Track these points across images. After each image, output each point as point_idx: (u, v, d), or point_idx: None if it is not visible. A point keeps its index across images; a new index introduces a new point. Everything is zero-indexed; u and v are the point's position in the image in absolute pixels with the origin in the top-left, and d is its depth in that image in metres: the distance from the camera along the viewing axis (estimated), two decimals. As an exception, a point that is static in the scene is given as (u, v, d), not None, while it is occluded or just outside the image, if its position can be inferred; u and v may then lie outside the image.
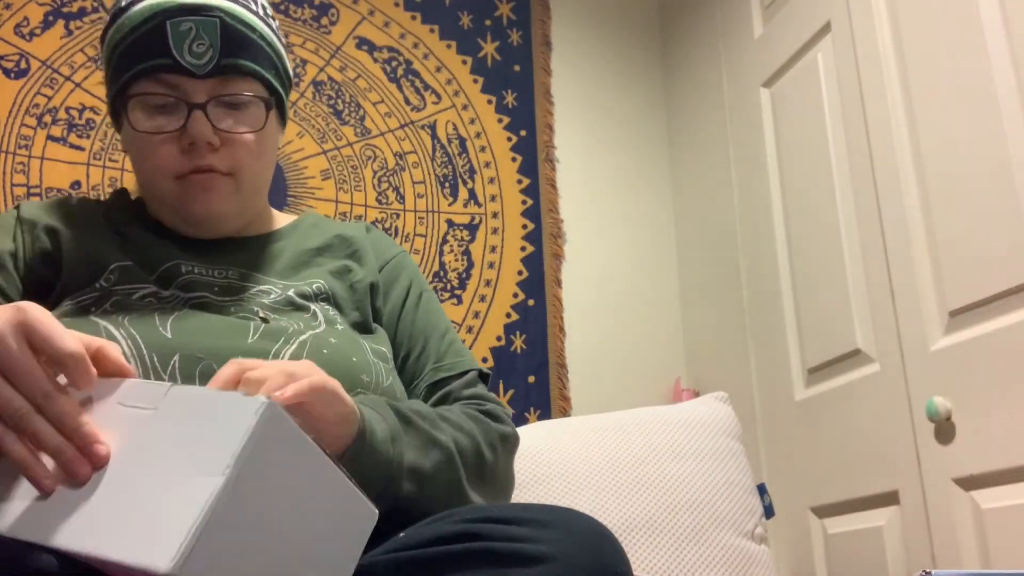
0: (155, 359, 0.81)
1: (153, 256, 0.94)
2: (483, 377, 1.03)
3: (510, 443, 0.96)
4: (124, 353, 0.77)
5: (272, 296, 0.94)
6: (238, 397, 0.56)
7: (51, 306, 0.88)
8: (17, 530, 0.57)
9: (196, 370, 0.81)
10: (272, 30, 0.98)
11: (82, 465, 0.57)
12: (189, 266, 0.94)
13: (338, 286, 0.99)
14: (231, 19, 0.91)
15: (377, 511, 0.63)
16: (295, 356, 0.85)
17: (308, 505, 0.58)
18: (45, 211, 0.96)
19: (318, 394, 0.69)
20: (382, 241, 1.10)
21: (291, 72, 1.03)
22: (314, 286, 0.97)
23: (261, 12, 0.97)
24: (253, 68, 0.93)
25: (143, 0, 0.91)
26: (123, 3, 0.93)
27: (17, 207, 0.97)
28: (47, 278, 0.91)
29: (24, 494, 0.59)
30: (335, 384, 0.72)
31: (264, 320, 0.90)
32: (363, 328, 0.98)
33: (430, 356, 1.01)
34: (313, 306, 0.95)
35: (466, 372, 1.01)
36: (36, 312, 0.61)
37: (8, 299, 0.87)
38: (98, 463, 0.58)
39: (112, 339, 0.81)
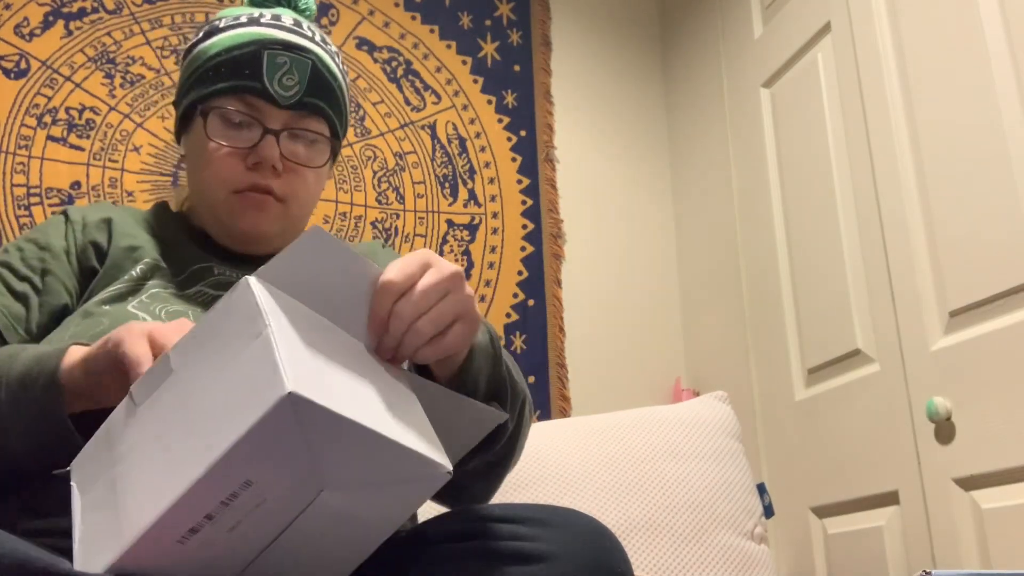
0: None
1: (187, 255, 0.99)
2: None
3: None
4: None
5: None
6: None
7: (90, 289, 0.94)
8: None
9: None
10: (346, 85, 1.07)
11: None
12: (221, 269, 0.99)
13: None
14: (322, 65, 1.00)
15: (450, 466, 0.58)
16: None
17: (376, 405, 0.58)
18: (91, 210, 1.03)
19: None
20: (392, 254, 1.16)
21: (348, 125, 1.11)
22: None
23: (341, 66, 1.06)
24: (328, 111, 1.02)
25: (245, 26, 0.99)
26: (221, 24, 1.01)
27: (64, 212, 1.02)
28: (94, 268, 0.96)
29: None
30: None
31: None
32: None
33: None
34: None
35: None
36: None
37: (65, 289, 0.94)
38: None
39: None
